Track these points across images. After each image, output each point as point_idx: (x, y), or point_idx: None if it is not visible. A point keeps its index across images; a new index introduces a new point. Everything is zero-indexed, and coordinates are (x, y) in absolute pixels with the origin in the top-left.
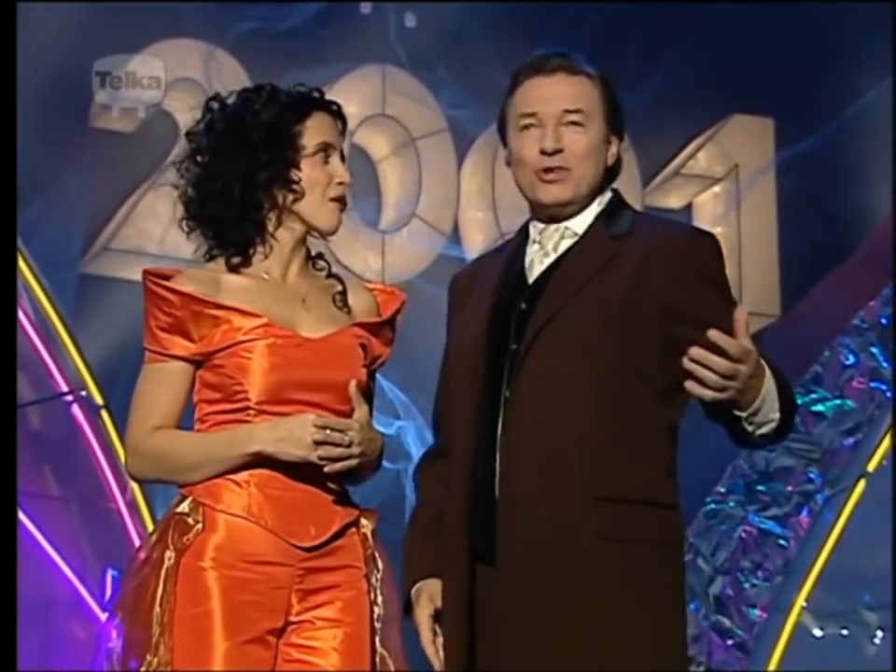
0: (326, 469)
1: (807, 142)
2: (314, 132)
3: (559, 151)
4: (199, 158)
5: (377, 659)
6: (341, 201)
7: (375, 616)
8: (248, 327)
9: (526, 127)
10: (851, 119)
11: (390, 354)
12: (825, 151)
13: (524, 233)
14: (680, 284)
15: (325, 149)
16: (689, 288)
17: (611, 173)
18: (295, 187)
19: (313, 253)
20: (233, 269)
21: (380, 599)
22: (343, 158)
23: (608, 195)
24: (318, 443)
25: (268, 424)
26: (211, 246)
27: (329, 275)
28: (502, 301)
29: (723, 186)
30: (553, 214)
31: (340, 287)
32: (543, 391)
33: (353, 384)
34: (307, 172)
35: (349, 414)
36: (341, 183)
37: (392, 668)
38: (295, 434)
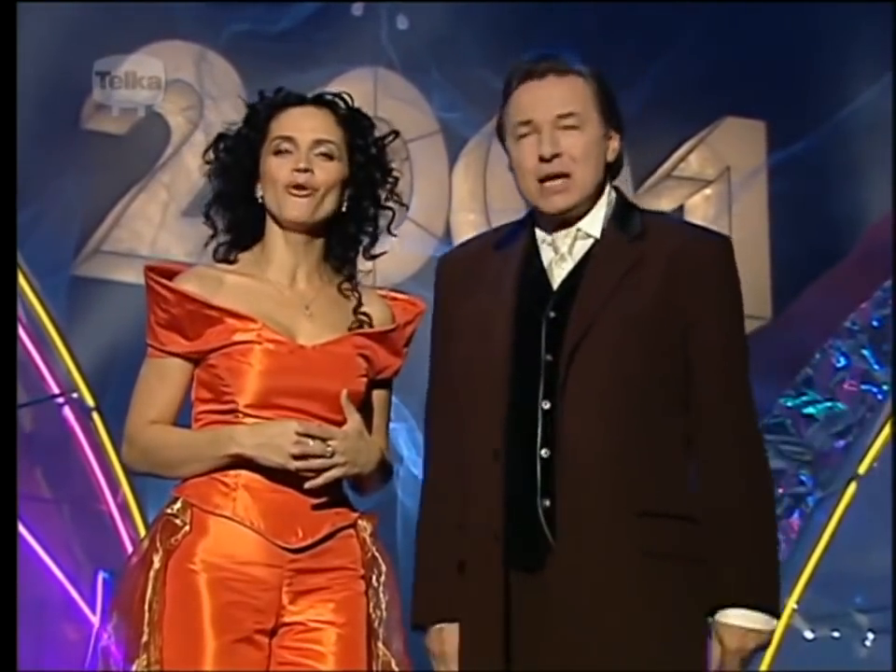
0: (307, 485)
1: (799, 144)
2: (276, 127)
3: (557, 156)
4: (211, 157)
5: (379, 662)
6: (297, 187)
7: (377, 619)
8: (242, 330)
9: (523, 135)
10: (843, 122)
11: (402, 364)
12: (817, 154)
13: (528, 230)
14: (701, 297)
15: (283, 142)
16: (706, 303)
17: (613, 168)
18: (260, 182)
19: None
20: (234, 264)
21: (382, 602)
22: (325, 151)
23: (613, 194)
24: (297, 456)
25: (249, 427)
26: (218, 243)
27: (346, 284)
28: (525, 307)
29: (715, 188)
30: (558, 221)
31: (354, 302)
32: (588, 406)
33: (344, 393)
34: (265, 166)
35: (342, 424)
36: (295, 170)
37: (397, 671)
38: (275, 441)
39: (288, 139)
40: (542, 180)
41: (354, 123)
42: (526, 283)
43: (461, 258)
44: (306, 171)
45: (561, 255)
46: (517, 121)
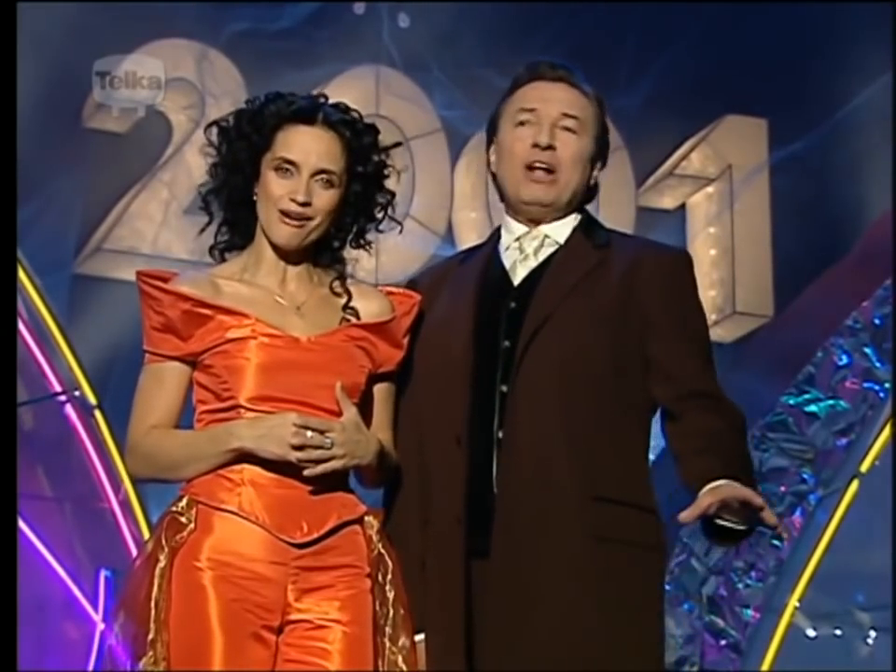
0: (306, 473)
1: (800, 142)
2: (280, 145)
3: (551, 148)
4: (210, 155)
5: (385, 660)
6: (290, 216)
7: (382, 616)
8: (237, 326)
9: (522, 123)
10: (844, 120)
11: (402, 356)
12: (818, 152)
13: (494, 240)
14: (661, 299)
15: (285, 163)
16: (667, 306)
17: (587, 196)
18: (255, 196)
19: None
20: (226, 267)
21: (388, 600)
22: (326, 179)
23: (582, 214)
24: (297, 447)
25: (248, 421)
26: (214, 243)
27: (337, 284)
28: (487, 300)
29: (717, 186)
30: (531, 214)
31: (344, 300)
32: (542, 389)
33: (338, 386)
34: (264, 177)
35: (340, 415)
36: (293, 200)
37: (404, 669)
38: (274, 432)
39: (292, 162)
40: (530, 167)
41: (357, 148)
42: (489, 282)
43: (427, 276)
44: (304, 203)
45: (525, 255)
46: (521, 107)
